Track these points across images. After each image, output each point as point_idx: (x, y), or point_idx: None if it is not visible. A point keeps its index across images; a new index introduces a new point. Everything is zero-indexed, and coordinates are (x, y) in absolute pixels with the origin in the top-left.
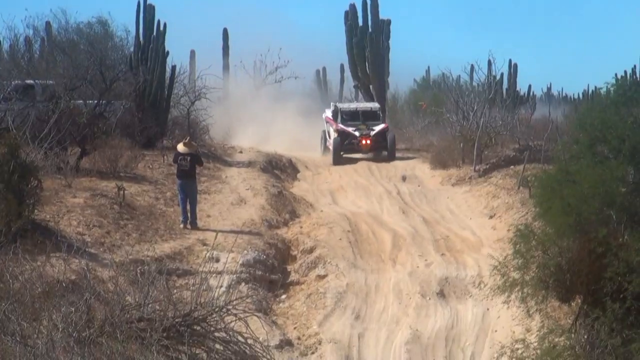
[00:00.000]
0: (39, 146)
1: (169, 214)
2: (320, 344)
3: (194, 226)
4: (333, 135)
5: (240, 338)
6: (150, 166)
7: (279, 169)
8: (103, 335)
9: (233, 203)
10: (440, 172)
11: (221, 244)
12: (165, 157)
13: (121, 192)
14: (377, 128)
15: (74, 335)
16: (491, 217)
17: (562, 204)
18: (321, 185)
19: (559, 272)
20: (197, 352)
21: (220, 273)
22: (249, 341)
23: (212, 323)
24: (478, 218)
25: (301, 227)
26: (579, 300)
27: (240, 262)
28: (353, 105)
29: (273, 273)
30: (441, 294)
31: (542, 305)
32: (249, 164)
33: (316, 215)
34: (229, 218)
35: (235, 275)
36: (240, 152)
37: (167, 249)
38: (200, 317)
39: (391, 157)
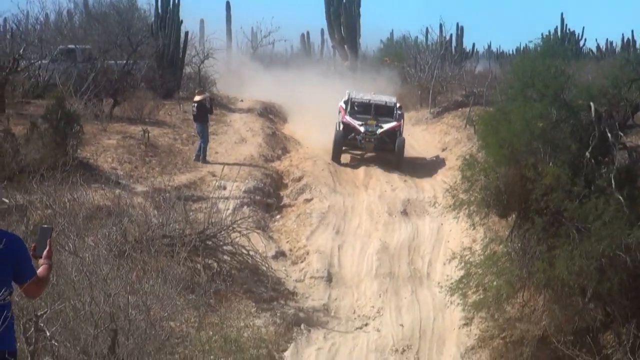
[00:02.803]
0: (80, 98)
1: (185, 151)
2: (308, 254)
3: (204, 161)
4: (339, 124)
5: (243, 250)
6: (169, 113)
7: (272, 113)
8: (136, 249)
9: (236, 142)
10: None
11: (227, 175)
12: (181, 105)
13: (146, 135)
14: (386, 126)
15: (114, 250)
16: (443, 150)
17: (499, 139)
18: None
19: (497, 194)
20: (209, 262)
21: (226, 198)
22: (251, 253)
23: (221, 239)
24: (433, 151)
25: (291, 161)
26: (514, 216)
27: (243, 189)
28: (367, 97)
29: (269, 198)
30: (404, 213)
31: (484, 220)
32: (248, 111)
33: (303, 151)
34: (233, 154)
35: (239, 200)
36: (241, 100)
37: (183, 179)
38: (211, 234)
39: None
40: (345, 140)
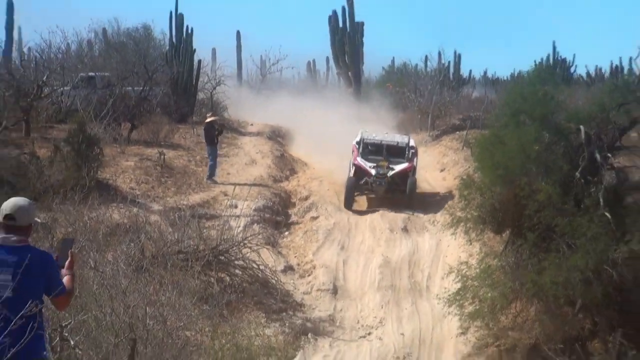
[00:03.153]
0: (100, 122)
1: (198, 172)
2: (314, 268)
3: (209, 179)
4: (350, 167)
5: (254, 265)
6: (184, 137)
7: (280, 136)
8: (153, 264)
9: (246, 163)
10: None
11: (238, 194)
12: (194, 129)
13: (162, 157)
14: (398, 168)
15: (132, 264)
16: (442, 170)
17: (494, 160)
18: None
19: (492, 211)
20: (222, 276)
21: (238, 216)
22: (261, 267)
23: (232, 254)
24: (432, 171)
25: (298, 181)
26: (508, 232)
27: (253, 207)
28: (378, 138)
29: (278, 215)
30: (405, 229)
31: (480, 236)
32: (258, 134)
33: (309, 172)
34: (244, 175)
35: (249, 218)
36: (251, 124)
37: (197, 199)
38: (223, 249)
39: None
40: (357, 185)
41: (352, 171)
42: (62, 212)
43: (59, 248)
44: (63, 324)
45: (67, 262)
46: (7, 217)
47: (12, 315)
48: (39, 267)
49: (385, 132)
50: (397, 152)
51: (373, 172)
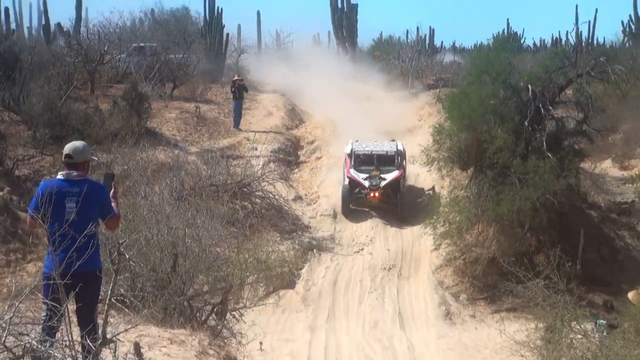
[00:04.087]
0: (148, 83)
1: (226, 122)
2: (318, 197)
3: (236, 128)
4: (344, 177)
5: (270, 195)
6: (215, 94)
7: (292, 93)
8: (190, 195)
9: (264, 115)
10: (389, 93)
11: (258, 139)
12: (223, 88)
13: (198, 110)
14: (389, 177)
15: (174, 195)
16: (419, 120)
17: (460, 112)
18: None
19: (459, 153)
20: (245, 204)
21: (258, 157)
22: (276, 197)
23: (253, 187)
24: (412, 121)
25: (306, 129)
26: (472, 169)
27: (270, 150)
28: (368, 148)
29: (289, 156)
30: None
31: (450, 172)
32: (273, 91)
33: (315, 121)
34: (263, 124)
35: (267, 158)
36: (268, 84)
37: (225, 143)
38: (246, 183)
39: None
40: (352, 194)
41: (346, 181)
42: (119, 154)
43: (102, 181)
44: (120, 242)
45: (111, 193)
46: (67, 156)
47: (77, 234)
48: (95, 196)
49: (375, 140)
50: (387, 160)
51: (366, 183)
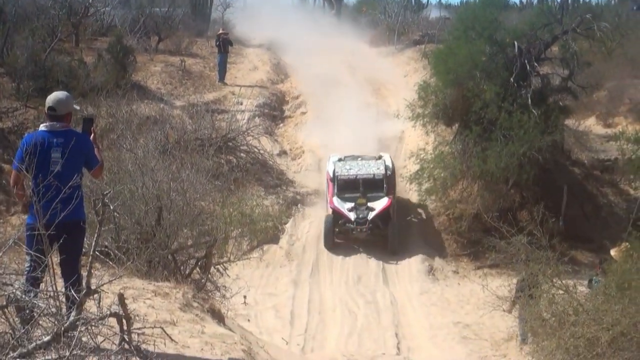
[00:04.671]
0: (134, 36)
1: (212, 76)
2: (303, 152)
3: (221, 82)
4: (328, 206)
5: (255, 149)
6: (200, 48)
7: (277, 48)
8: (175, 148)
9: (250, 69)
10: (375, 49)
11: (243, 93)
12: (209, 42)
13: (183, 63)
14: (378, 207)
15: (159, 148)
16: (405, 76)
17: (446, 67)
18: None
19: (445, 108)
20: (230, 158)
21: (243, 111)
22: (261, 151)
23: (238, 141)
24: (397, 76)
25: (291, 83)
26: (457, 125)
27: (255, 104)
28: (353, 172)
29: (274, 111)
30: (376, 121)
31: (435, 128)
32: (259, 46)
33: (300, 76)
34: (248, 78)
35: (252, 112)
36: (254, 38)
37: (211, 97)
38: (231, 137)
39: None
40: (336, 225)
41: (329, 210)
42: (104, 106)
43: (81, 127)
44: (104, 193)
45: (91, 137)
46: (49, 109)
47: (62, 185)
48: (81, 146)
49: (359, 157)
50: (374, 185)
51: (352, 216)
